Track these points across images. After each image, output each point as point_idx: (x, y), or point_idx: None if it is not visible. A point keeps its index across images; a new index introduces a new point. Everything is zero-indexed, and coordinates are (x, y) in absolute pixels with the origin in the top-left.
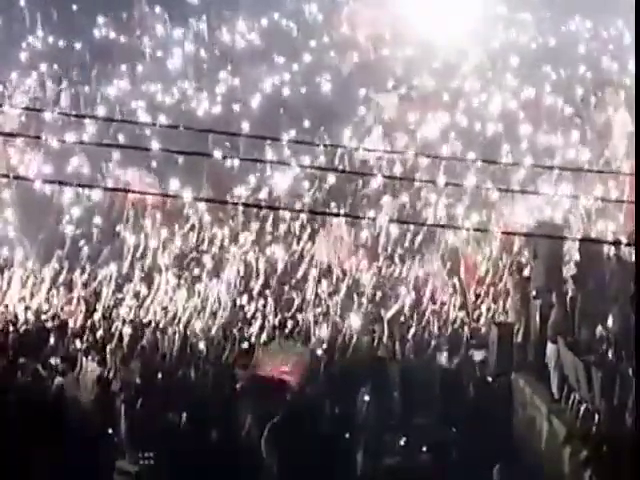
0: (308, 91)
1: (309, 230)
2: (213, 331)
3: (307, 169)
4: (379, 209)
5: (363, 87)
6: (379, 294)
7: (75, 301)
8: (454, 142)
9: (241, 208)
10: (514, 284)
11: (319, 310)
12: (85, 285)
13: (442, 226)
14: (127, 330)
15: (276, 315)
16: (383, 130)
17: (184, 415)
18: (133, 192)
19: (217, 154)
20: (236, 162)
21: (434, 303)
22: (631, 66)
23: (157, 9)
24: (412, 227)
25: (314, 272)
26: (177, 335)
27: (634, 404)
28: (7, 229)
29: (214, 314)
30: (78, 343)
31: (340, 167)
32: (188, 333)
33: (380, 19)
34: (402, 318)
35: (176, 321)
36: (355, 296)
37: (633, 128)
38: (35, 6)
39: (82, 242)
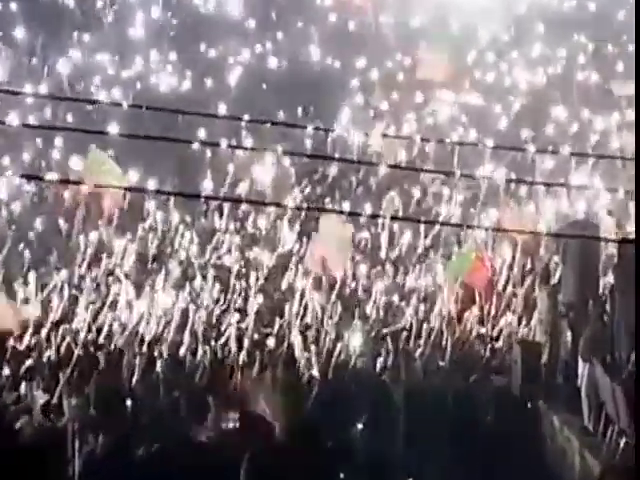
0: (295, 65)
1: (298, 230)
2: (182, 350)
3: (296, 158)
4: (381, 205)
5: (361, 60)
6: (381, 306)
7: (17, 316)
8: (467, 126)
9: (215, 203)
10: (540, 294)
11: (309, 325)
12: (27, 298)
13: (456, 225)
14: (79, 350)
15: (258, 331)
16: (384, 111)
17: (151, 449)
18: (83, 184)
19: (190, 139)
20: (209, 150)
21: (446, 317)
22: None
23: None
24: (422, 227)
25: (304, 280)
26: (139, 356)
27: None
28: None
29: (183, 330)
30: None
31: (336, 155)
32: (153, 352)
33: None
34: (408, 335)
35: (138, 338)
36: (353, 309)
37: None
38: None
39: (22, 245)
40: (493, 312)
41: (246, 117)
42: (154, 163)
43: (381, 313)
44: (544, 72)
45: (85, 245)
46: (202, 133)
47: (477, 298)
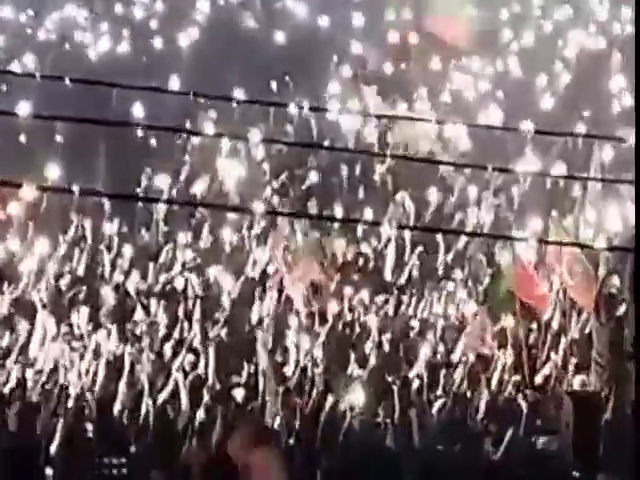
0: (270, 22)
1: (271, 243)
2: (116, 407)
3: (272, 147)
4: (385, 210)
5: (358, 17)
6: (386, 347)
7: None
8: (501, 104)
9: (163, 208)
10: (600, 330)
11: (289, 374)
12: None
13: (490, 236)
14: None
15: (219, 380)
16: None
17: None
18: None
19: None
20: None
21: (472, 359)
22: None
23: None
24: (440, 240)
25: (281, 312)
26: (60, 413)
27: None
28: None
29: (118, 379)
30: None
31: (325, 143)
32: (79, 409)
33: None
34: (421, 385)
35: (57, 390)
36: (349, 351)
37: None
38: None
39: None
40: (535, 352)
41: (204, 92)
42: (80, 154)
43: (385, 356)
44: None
45: None
46: (144, 113)
47: (517, 334)
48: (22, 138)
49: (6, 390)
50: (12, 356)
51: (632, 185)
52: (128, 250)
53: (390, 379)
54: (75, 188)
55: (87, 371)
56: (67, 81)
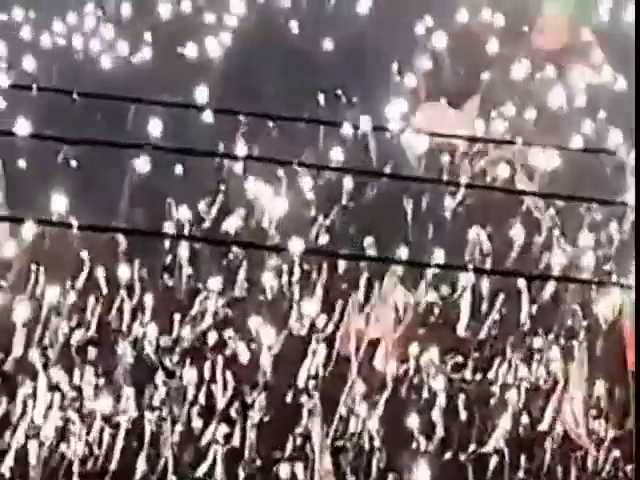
0: (317, 26)
1: (322, 290)
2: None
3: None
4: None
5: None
6: (460, 418)
7: None
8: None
9: (190, 247)
10: None
11: (345, 447)
12: None
13: (583, 282)
14: None
15: (260, 455)
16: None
17: None
18: None
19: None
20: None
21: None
22: None
23: None
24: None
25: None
26: None
27: None
28: None
29: (137, 453)
30: None
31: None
32: None
33: None
34: (501, 462)
35: (64, 466)
36: (416, 420)
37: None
38: None
39: None
40: None
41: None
42: (90, 181)
43: (458, 428)
44: None
45: None
46: (165, 133)
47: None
48: (21, 163)
49: (4, 469)
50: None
51: None
52: (148, 298)
53: (463, 458)
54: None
55: (99, 443)
56: (74, 95)
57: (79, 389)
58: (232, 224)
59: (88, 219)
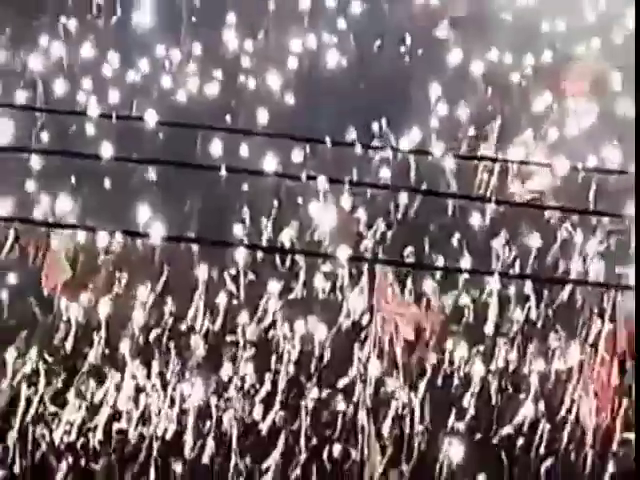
0: (362, 61)
1: (367, 292)
2: (205, 457)
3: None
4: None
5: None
6: (488, 402)
7: None
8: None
9: (252, 254)
10: None
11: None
12: None
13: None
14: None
15: (308, 439)
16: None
17: None
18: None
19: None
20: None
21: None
22: None
23: None
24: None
25: (379, 365)
26: (149, 471)
27: None
28: None
29: (209, 437)
30: None
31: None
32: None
33: None
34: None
35: (144, 446)
36: (449, 405)
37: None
38: None
39: None
40: None
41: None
42: (164, 196)
43: (487, 411)
44: None
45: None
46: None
47: None
48: (107, 182)
49: (95, 443)
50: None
51: None
52: (220, 298)
53: (495, 440)
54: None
55: (177, 423)
56: (152, 122)
57: (159, 376)
58: (286, 235)
59: (167, 230)
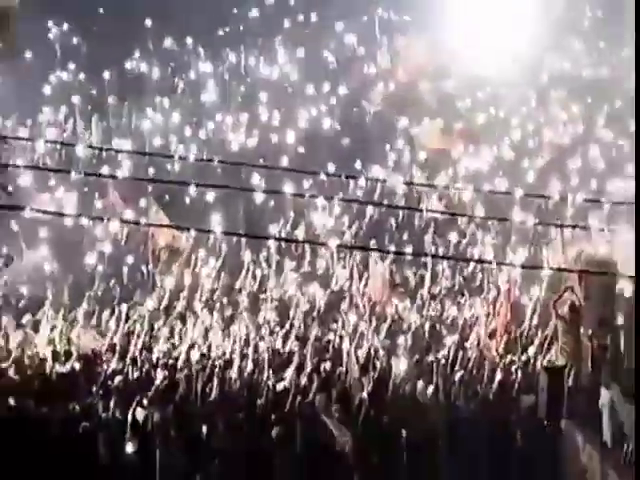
0: (345, 124)
1: (348, 268)
2: (245, 375)
3: (346, 205)
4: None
5: (402, 119)
6: (424, 336)
7: (107, 343)
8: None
9: (275, 246)
10: (564, 326)
11: (363, 355)
12: (117, 327)
13: (489, 262)
14: (160, 374)
15: (313, 358)
16: (423, 163)
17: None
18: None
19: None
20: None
21: (481, 346)
22: None
23: (189, 40)
24: (459, 266)
25: (354, 314)
26: (213, 380)
27: None
28: (41, 269)
29: (249, 358)
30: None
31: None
32: (225, 376)
33: (423, 52)
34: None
35: (210, 364)
36: (400, 338)
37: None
38: (65, 38)
39: (112, 281)
40: (523, 341)
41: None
42: (223, 208)
43: (424, 343)
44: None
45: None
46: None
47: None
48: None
49: (179, 363)
50: (181, 344)
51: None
52: (257, 271)
53: (429, 359)
54: (218, 229)
55: (231, 351)
56: (216, 161)
57: (219, 320)
58: (299, 232)
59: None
